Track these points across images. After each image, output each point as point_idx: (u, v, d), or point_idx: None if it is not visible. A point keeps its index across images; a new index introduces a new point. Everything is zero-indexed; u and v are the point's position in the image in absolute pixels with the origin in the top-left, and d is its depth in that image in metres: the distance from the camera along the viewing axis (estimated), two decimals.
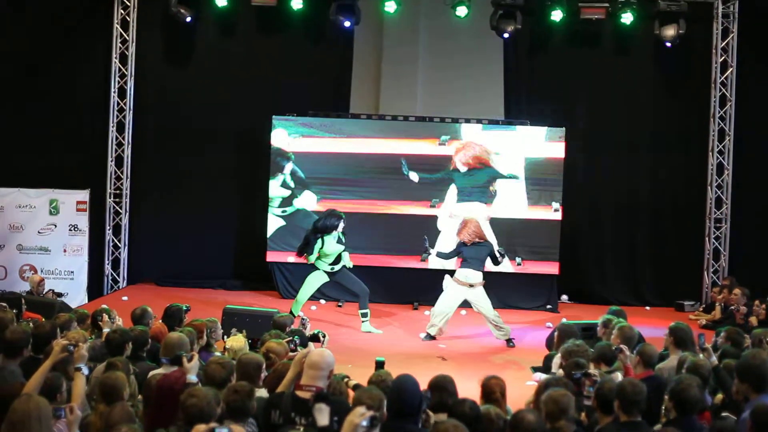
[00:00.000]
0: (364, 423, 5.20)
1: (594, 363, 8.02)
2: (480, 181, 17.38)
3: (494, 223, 17.19)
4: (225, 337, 9.97)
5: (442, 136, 17.42)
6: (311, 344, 8.41)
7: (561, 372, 8.19)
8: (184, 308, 10.44)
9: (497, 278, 17.05)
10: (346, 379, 7.46)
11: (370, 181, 17.51)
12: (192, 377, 6.94)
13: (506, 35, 17.35)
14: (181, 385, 6.73)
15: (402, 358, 12.32)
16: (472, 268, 14.36)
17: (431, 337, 14.39)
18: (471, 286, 14.28)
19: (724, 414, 7.18)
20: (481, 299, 14.33)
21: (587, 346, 8.31)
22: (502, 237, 17.09)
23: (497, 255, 14.53)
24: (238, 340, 9.23)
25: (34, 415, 5.76)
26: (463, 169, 17.38)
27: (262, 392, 7.11)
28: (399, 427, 6.12)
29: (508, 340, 14.25)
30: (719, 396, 7.68)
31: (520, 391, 8.82)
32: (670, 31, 17.26)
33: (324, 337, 8.88)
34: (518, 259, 17.31)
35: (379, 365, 7.70)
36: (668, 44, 17.38)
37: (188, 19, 17.52)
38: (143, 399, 7.45)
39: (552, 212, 17.32)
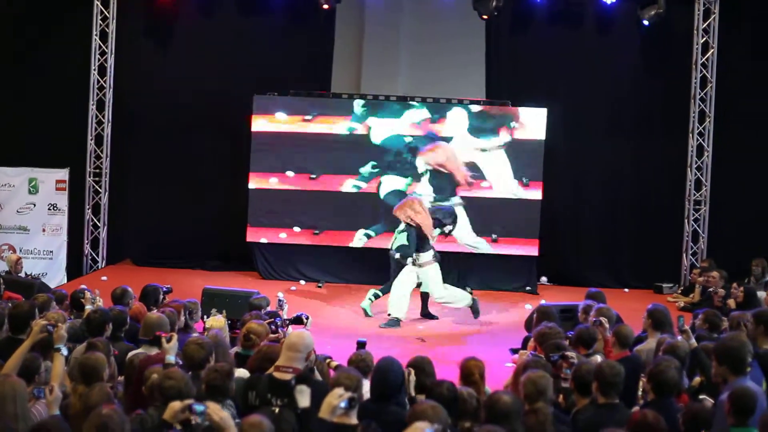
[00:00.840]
0: (342, 404, 5.23)
1: (573, 346, 8.05)
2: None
3: (474, 201, 17.28)
4: (205, 317, 9.96)
5: (433, 115, 17.43)
6: (290, 327, 8.44)
7: (525, 353, 8.24)
8: (165, 289, 10.44)
9: (477, 260, 17.15)
10: (328, 360, 7.49)
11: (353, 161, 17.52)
12: (171, 357, 6.95)
13: (488, 15, 17.29)
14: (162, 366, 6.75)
15: (382, 339, 12.37)
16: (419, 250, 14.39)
17: (397, 322, 14.24)
18: (420, 266, 14.28)
19: (701, 396, 7.21)
20: (427, 279, 14.32)
21: (559, 328, 8.34)
22: (481, 214, 17.20)
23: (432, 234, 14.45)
24: (218, 321, 9.22)
25: (9, 396, 5.75)
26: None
27: (242, 373, 7.13)
28: (381, 409, 6.15)
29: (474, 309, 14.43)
30: (697, 379, 7.72)
31: (499, 372, 8.85)
32: (651, 11, 17.28)
33: (307, 319, 8.90)
34: (494, 236, 17.34)
35: (360, 345, 7.74)
36: (647, 23, 17.38)
37: None
38: (124, 379, 7.45)
39: (522, 187, 17.35)
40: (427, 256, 14.30)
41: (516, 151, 17.34)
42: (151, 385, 6.32)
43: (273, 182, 17.48)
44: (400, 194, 16.80)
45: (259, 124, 17.39)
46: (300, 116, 17.42)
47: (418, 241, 14.33)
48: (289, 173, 17.46)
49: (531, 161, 17.33)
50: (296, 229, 17.52)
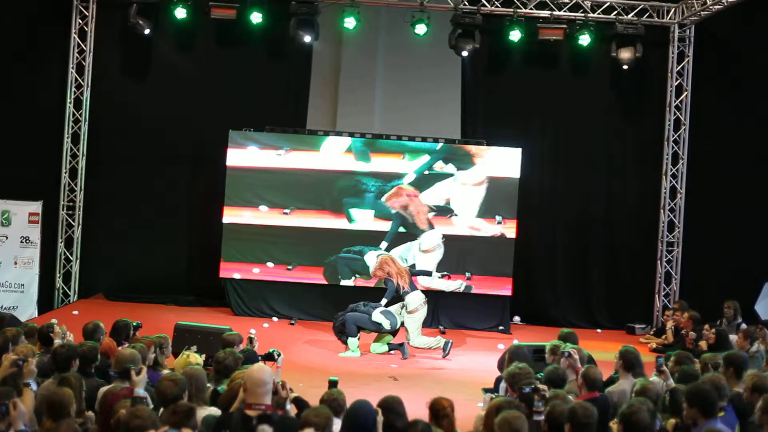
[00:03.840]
0: None
1: None
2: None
3: (447, 239, 17.35)
4: (184, 353, 9.87)
5: (405, 153, 17.48)
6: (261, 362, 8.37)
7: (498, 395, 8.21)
8: (134, 325, 10.36)
9: (450, 299, 17.14)
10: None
11: (327, 197, 17.54)
12: (140, 390, 6.91)
13: (464, 54, 17.43)
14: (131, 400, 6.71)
15: (354, 378, 12.30)
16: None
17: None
18: (408, 312, 14.80)
19: None
20: (409, 325, 14.82)
21: (530, 369, 8.33)
22: (454, 252, 17.25)
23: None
24: (192, 357, 9.14)
25: None
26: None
27: (213, 410, 7.08)
28: None
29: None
30: (672, 420, 7.70)
31: (471, 412, 8.80)
32: (626, 54, 17.46)
33: (279, 355, 8.83)
34: (468, 274, 17.36)
35: (332, 384, 7.68)
36: (625, 66, 17.55)
37: (147, 31, 17.43)
38: (96, 415, 7.39)
39: (496, 225, 17.40)
40: (413, 302, 14.71)
41: (490, 189, 17.39)
42: (118, 419, 6.27)
43: (247, 216, 17.46)
44: None
45: (234, 156, 17.37)
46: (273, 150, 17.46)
47: (396, 292, 14.76)
48: (263, 208, 17.45)
49: (505, 200, 17.38)
50: (269, 264, 17.48)
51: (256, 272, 17.52)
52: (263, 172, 17.45)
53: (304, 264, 17.48)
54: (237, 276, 17.55)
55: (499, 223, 17.40)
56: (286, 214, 17.46)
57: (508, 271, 17.42)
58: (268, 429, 5.74)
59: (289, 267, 17.52)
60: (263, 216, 17.50)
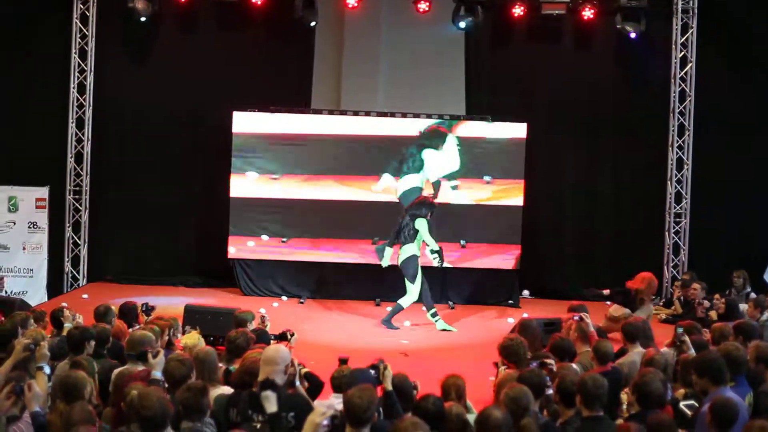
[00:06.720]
0: (325, 422, 5.21)
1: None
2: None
3: (452, 208, 17.25)
4: (179, 335, 9.92)
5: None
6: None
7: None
8: (150, 306, 10.42)
9: (459, 274, 17.10)
10: (298, 367, 7.48)
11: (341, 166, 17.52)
12: (156, 373, 6.93)
13: (467, 30, 17.38)
14: (147, 382, 6.73)
15: (364, 355, 12.31)
16: None
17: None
18: None
19: (688, 403, 7.17)
20: None
21: (522, 339, 8.39)
22: (459, 220, 17.24)
23: None
24: (192, 337, 9.15)
25: None
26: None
27: (225, 389, 7.11)
28: None
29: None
30: (681, 390, 7.72)
31: (482, 386, 8.84)
32: (630, 26, 17.37)
33: (292, 335, 8.86)
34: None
35: (342, 362, 7.72)
36: (631, 36, 17.44)
37: (143, 19, 17.36)
38: (110, 396, 7.42)
39: (485, 184, 17.34)
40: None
41: (495, 162, 17.37)
42: (130, 401, 6.29)
43: (257, 189, 17.41)
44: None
45: (240, 123, 17.37)
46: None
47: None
48: (277, 174, 17.43)
49: (509, 172, 17.36)
50: (280, 239, 17.49)
51: (265, 239, 17.43)
52: (271, 139, 17.46)
53: (302, 236, 17.48)
54: (251, 244, 17.47)
55: (488, 182, 17.35)
56: (275, 178, 17.42)
57: (516, 239, 17.37)
58: (272, 394, 5.75)
59: (284, 239, 17.43)
60: (273, 188, 17.45)
